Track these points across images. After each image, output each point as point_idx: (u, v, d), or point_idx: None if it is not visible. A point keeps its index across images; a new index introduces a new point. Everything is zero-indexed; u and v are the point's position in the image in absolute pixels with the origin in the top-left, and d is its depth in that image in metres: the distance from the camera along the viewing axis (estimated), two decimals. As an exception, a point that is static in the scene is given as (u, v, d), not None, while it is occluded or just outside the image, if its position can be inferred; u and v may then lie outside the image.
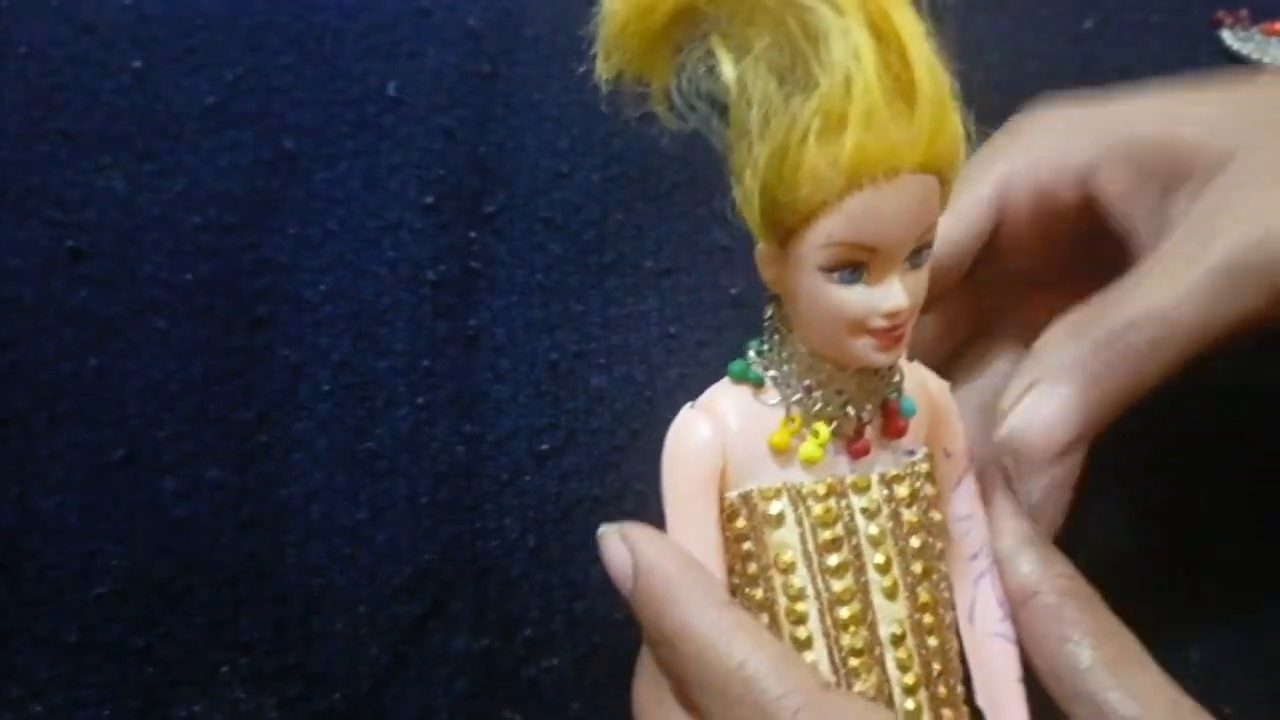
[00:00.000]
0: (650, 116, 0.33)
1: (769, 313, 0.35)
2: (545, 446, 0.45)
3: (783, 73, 0.30)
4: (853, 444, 0.34)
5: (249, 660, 0.42)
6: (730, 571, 0.34)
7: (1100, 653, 0.34)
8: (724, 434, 0.34)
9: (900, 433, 0.34)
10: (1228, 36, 0.55)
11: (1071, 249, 0.42)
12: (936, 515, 0.35)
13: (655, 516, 0.35)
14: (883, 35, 0.29)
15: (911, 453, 0.35)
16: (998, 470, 0.38)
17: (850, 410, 0.34)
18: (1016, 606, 0.36)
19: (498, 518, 0.44)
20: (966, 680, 0.36)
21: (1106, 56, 0.54)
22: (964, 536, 0.37)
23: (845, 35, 0.29)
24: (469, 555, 0.44)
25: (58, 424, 0.44)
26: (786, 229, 0.31)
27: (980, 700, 0.36)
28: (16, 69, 0.49)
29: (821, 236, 0.30)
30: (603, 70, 0.32)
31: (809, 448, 0.33)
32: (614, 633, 0.43)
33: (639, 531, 0.34)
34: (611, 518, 0.44)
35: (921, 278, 0.32)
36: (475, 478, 0.45)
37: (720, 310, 0.48)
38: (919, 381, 0.36)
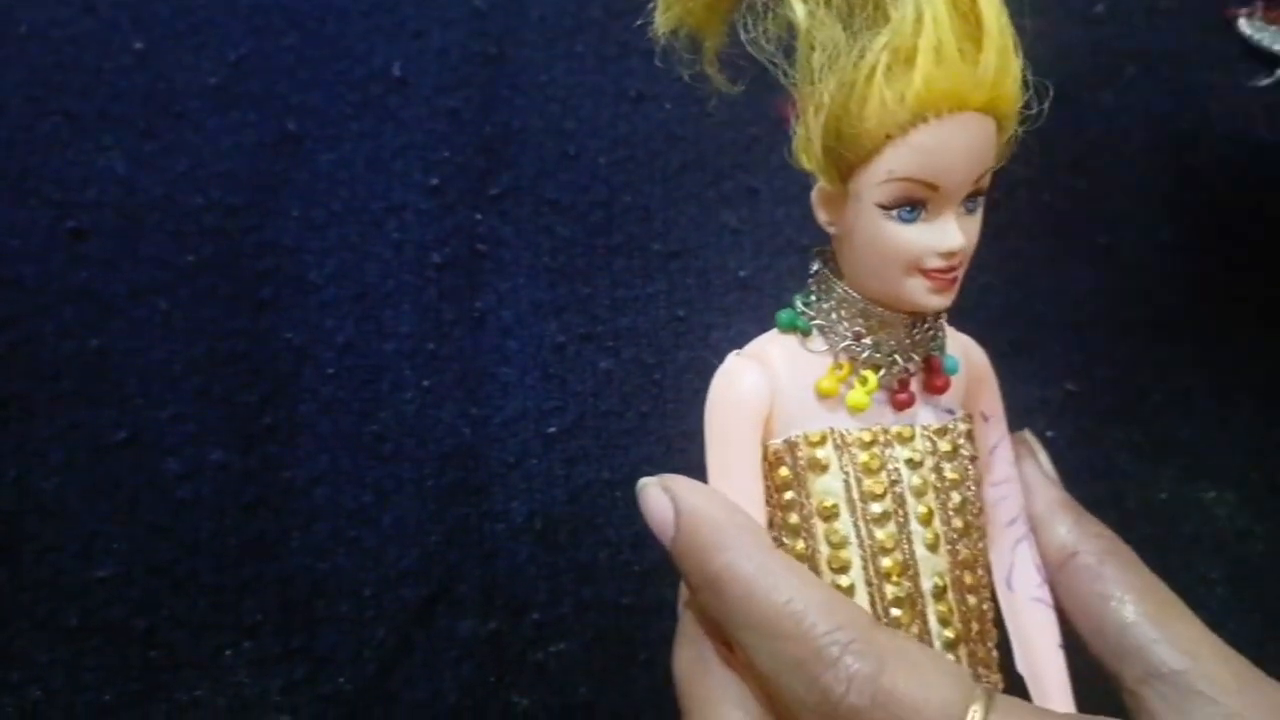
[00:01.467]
0: (700, 77, 0.34)
1: (814, 266, 0.35)
2: (553, 429, 0.45)
3: (851, 13, 0.31)
4: (897, 394, 0.34)
5: (253, 644, 0.41)
6: (770, 524, 0.34)
7: (1143, 607, 0.34)
8: (772, 380, 0.34)
9: (943, 388, 0.35)
10: (1244, 24, 0.54)
11: None
12: (976, 475, 0.35)
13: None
14: None
15: (951, 411, 0.35)
16: (1023, 443, 0.38)
17: (898, 359, 0.34)
18: (1056, 568, 0.36)
19: (504, 500, 0.44)
20: (1002, 646, 0.36)
21: (1118, 40, 0.54)
22: (1001, 501, 0.37)
23: None
24: (475, 538, 0.43)
25: (58, 405, 0.44)
26: (849, 164, 0.31)
27: (1020, 667, 0.36)
28: (18, 48, 0.49)
29: (884, 172, 0.31)
30: (661, 23, 0.33)
31: (856, 394, 0.33)
32: (622, 617, 0.43)
33: (681, 481, 0.34)
34: (620, 501, 0.44)
35: (975, 222, 0.33)
36: (482, 460, 0.44)
37: (729, 293, 0.48)
38: (960, 345, 0.36)
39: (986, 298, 0.49)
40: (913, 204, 0.31)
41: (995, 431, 0.38)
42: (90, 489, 0.43)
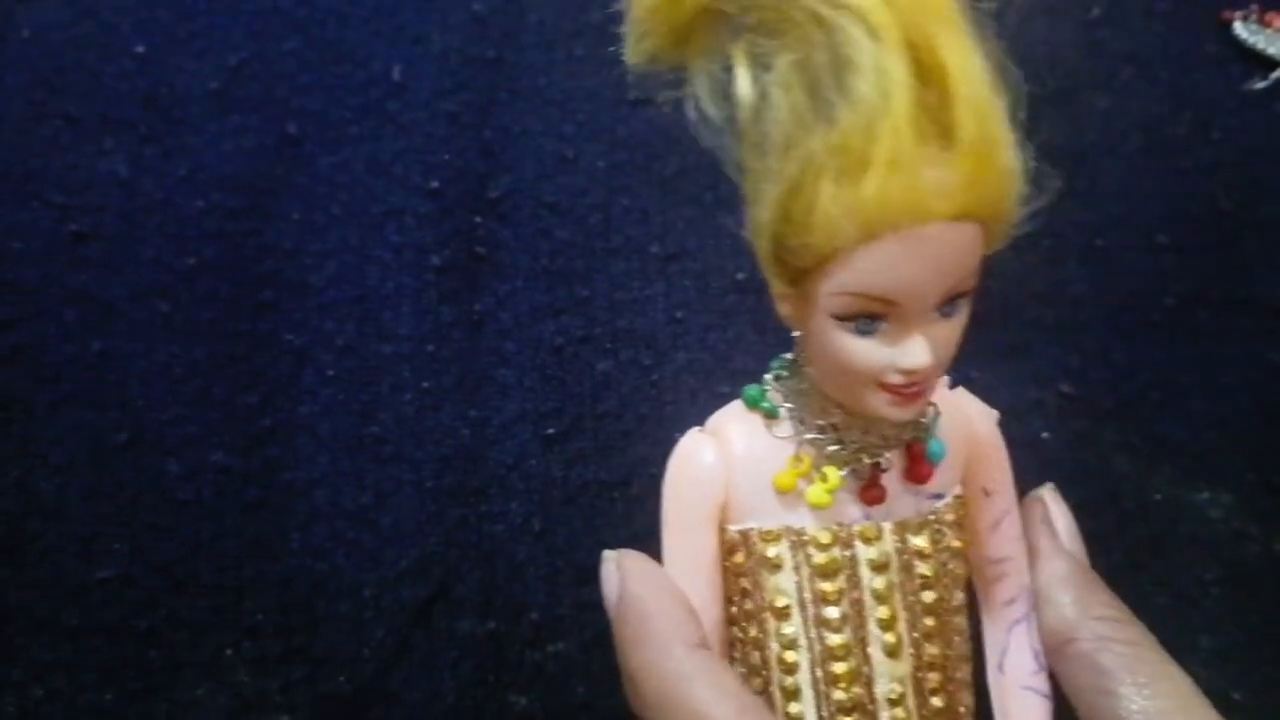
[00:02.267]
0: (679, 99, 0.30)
1: (795, 347, 0.32)
2: (551, 431, 0.45)
3: (806, 94, 0.26)
4: (867, 490, 0.31)
5: (253, 644, 0.42)
6: (729, 601, 0.32)
7: (1141, 702, 0.30)
8: (729, 463, 0.31)
9: (923, 479, 0.32)
10: (1239, 28, 0.55)
11: None
12: (959, 568, 0.33)
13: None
14: (923, 68, 0.26)
15: (939, 496, 0.32)
16: (1037, 504, 0.35)
17: (865, 457, 0.31)
18: (1054, 651, 0.33)
19: (503, 502, 0.44)
20: None
21: (1114, 43, 0.54)
22: (1000, 580, 0.35)
23: (877, 67, 0.25)
24: (474, 539, 0.44)
25: (59, 406, 0.44)
26: (796, 271, 0.28)
27: None
28: (19, 52, 0.49)
29: (834, 285, 0.27)
30: (633, 55, 0.29)
31: (816, 493, 0.31)
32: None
33: (634, 561, 0.32)
34: (618, 502, 0.44)
35: (953, 328, 0.29)
36: (480, 462, 0.45)
37: (726, 295, 0.48)
38: (960, 414, 0.33)
39: (982, 300, 0.49)
40: (871, 316, 0.27)
41: (998, 507, 0.34)
42: (91, 490, 0.43)
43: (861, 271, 0.26)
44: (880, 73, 0.25)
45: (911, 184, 0.26)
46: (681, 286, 0.48)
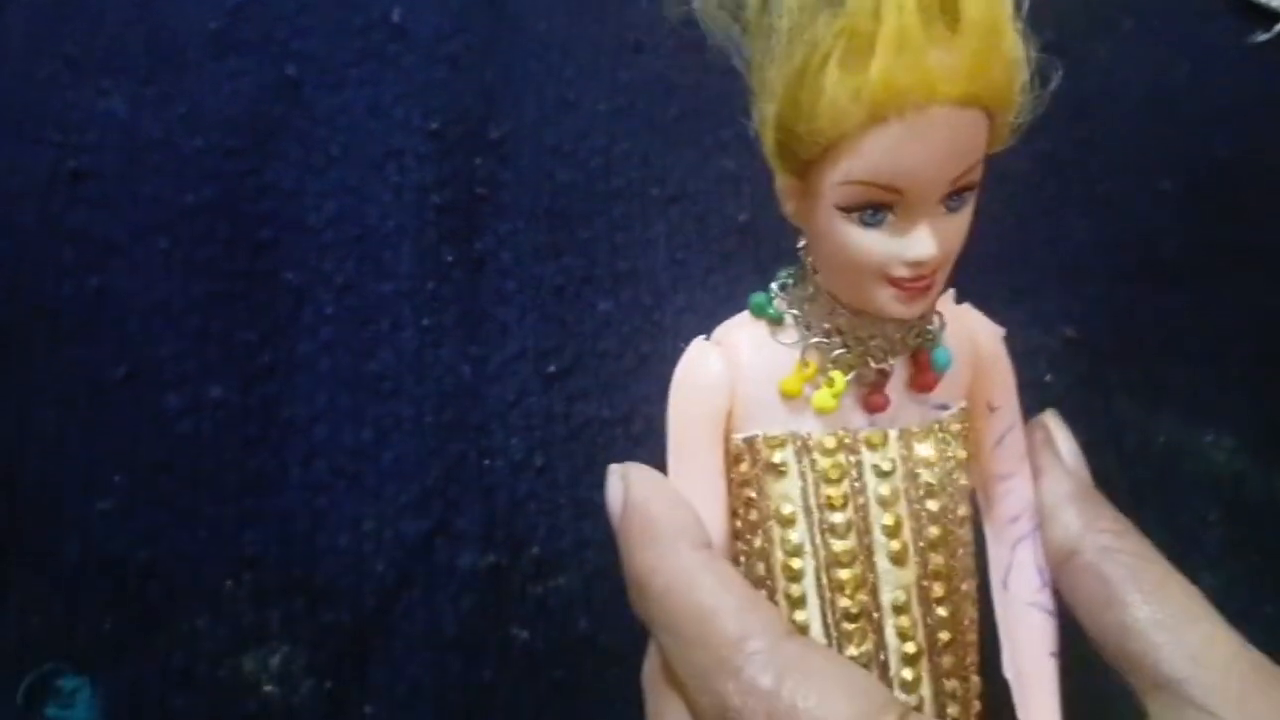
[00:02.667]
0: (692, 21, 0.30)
1: (802, 241, 0.31)
2: (552, 368, 0.45)
3: None
4: (870, 396, 0.31)
5: (253, 576, 0.42)
6: (734, 514, 0.32)
7: (1148, 611, 0.30)
8: (735, 371, 0.31)
9: (928, 387, 0.31)
10: (1249, -16, 0.54)
11: None
12: (963, 479, 0.32)
13: (664, 439, 0.33)
14: None
15: (945, 407, 0.32)
16: (1039, 428, 0.35)
17: (871, 360, 0.31)
18: (1058, 566, 0.33)
19: (504, 438, 0.44)
20: (994, 649, 0.34)
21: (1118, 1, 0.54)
22: (1005, 497, 0.34)
23: None
24: (475, 474, 0.43)
25: (59, 342, 0.44)
26: (803, 161, 0.27)
27: (1007, 671, 0.34)
28: (18, -8, 0.49)
29: (840, 173, 0.27)
30: None
31: (821, 397, 0.30)
32: (622, 552, 0.43)
33: (638, 471, 0.32)
34: (619, 439, 0.44)
35: (959, 222, 0.28)
36: (481, 399, 0.45)
37: (727, 237, 0.48)
38: (966, 328, 0.33)
39: (986, 245, 0.49)
40: (877, 207, 0.27)
41: (1003, 422, 0.34)
42: (90, 424, 0.43)
43: (868, 158, 0.26)
44: None
45: (918, 66, 0.25)
46: (683, 229, 0.48)
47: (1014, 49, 0.27)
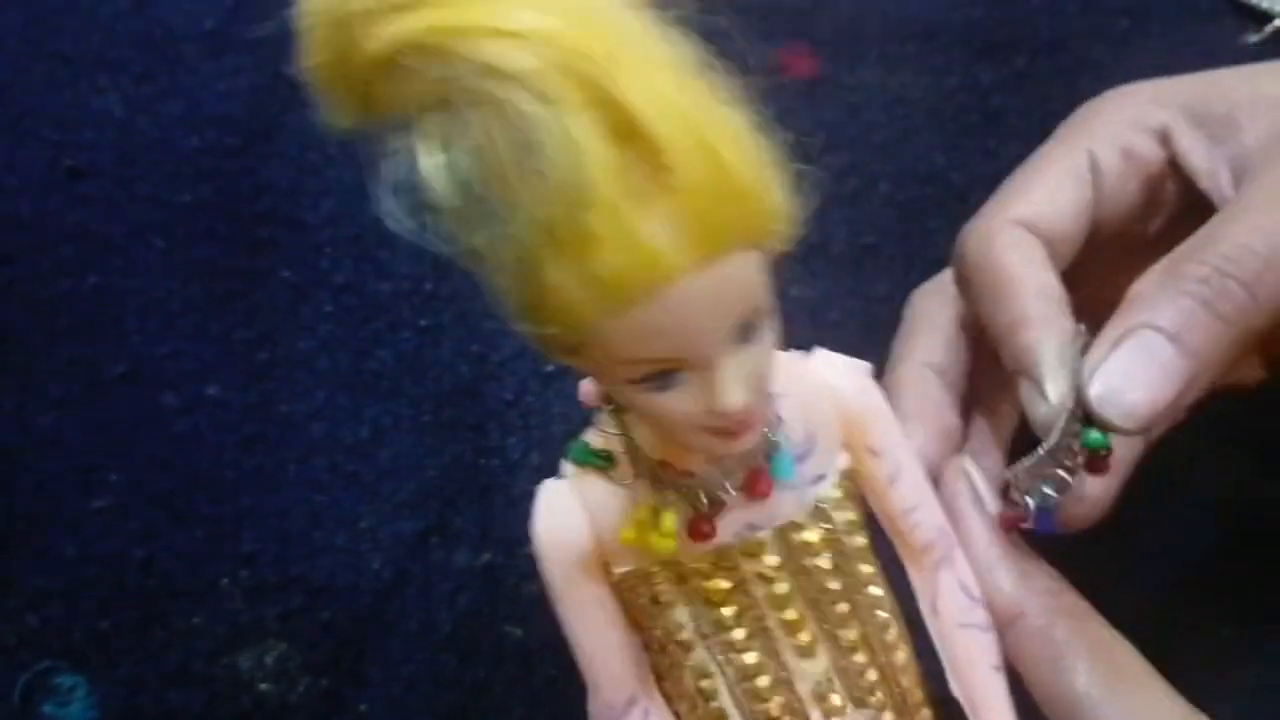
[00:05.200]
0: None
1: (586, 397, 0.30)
2: (550, 367, 0.45)
3: (502, 174, 0.22)
4: (695, 525, 0.29)
5: (250, 573, 0.42)
6: (639, 628, 0.31)
7: (1094, 675, 0.31)
8: (589, 508, 0.29)
9: (763, 494, 0.29)
10: (1236, -20, 0.55)
11: (1167, 221, 0.39)
12: (860, 538, 0.31)
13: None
14: (615, 118, 0.22)
15: (821, 478, 0.30)
16: (961, 476, 0.34)
17: (703, 496, 0.29)
18: (1003, 627, 0.32)
19: (501, 437, 0.44)
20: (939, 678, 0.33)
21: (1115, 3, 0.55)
22: (914, 530, 0.33)
23: (562, 135, 0.21)
24: (472, 473, 0.44)
25: (56, 340, 0.44)
26: (571, 346, 0.24)
27: (955, 692, 0.33)
28: (15, -9, 0.49)
29: (609, 358, 0.24)
30: (335, 121, 0.25)
31: (659, 541, 0.28)
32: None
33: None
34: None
35: (760, 352, 0.25)
36: (479, 397, 0.45)
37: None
38: (819, 386, 0.31)
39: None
40: (664, 373, 0.24)
41: (890, 462, 0.32)
42: (88, 422, 0.43)
43: (629, 342, 0.23)
44: (567, 140, 0.21)
45: (641, 248, 0.22)
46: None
47: (753, 177, 0.23)
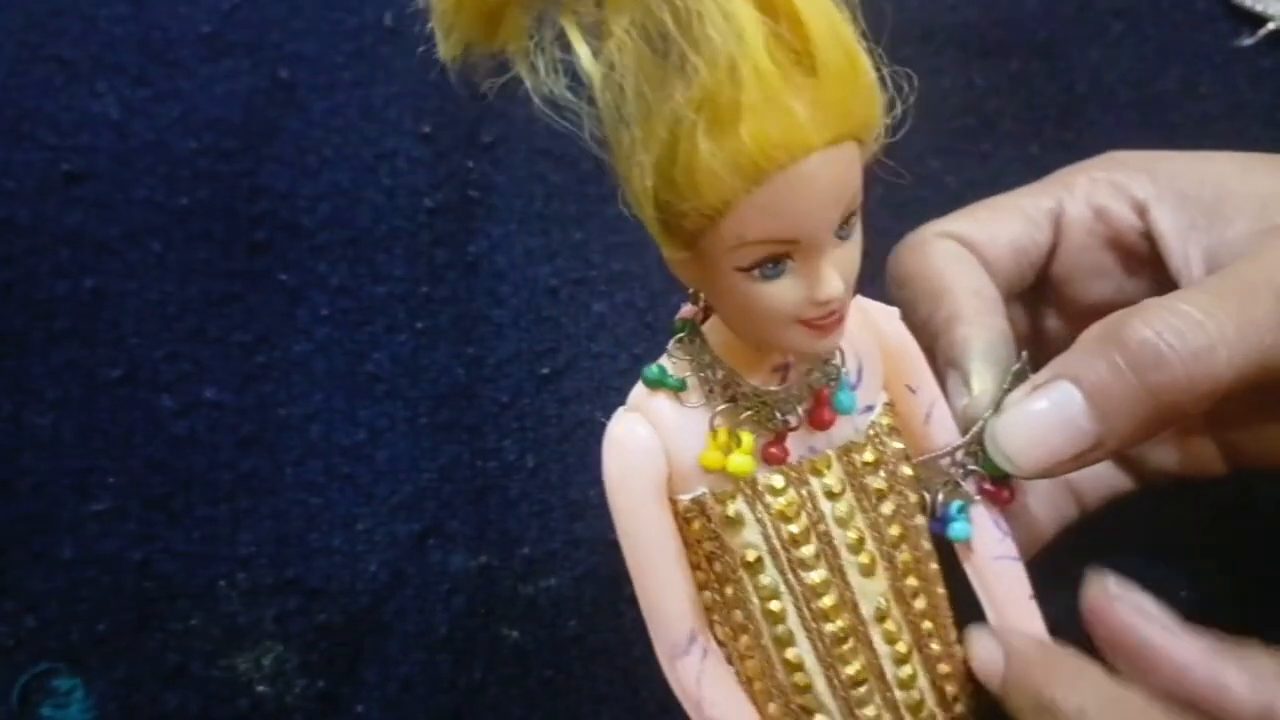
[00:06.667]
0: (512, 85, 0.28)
1: (687, 307, 0.31)
2: (546, 370, 0.45)
3: (654, 52, 0.25)
4: (768, 449, 0.30)
5: (247, 574, 0.42)
6: (696, 568, 0.31)
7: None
8: (664, 434, 0.30)
9: (826, 425, 0.31)
10: (1229, -15, 0.55)
11: (1133, 284, 0.39)
12: (906, 469, 0.33)
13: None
14: (768, 2, 0.25)
15: (870, 409, 0.32)
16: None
17: (777, 415, 0.30)
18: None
19: (497, 439, 0.44)
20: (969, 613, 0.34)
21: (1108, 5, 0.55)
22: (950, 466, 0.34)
23: (723, 11, 0.24)
24: (468, 475, 0.44)
25: (54, 343, 0.44)
26: (689, 234, 0.26)
27: (993, 623, 0.34)
28: (12, -6, 0.49)
29: (731, 238, 0.26)
30: (446, 50, 0.27)
31: (736, 463, 0.30)
32: (612, 553, 0.42)
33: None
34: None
35: (853, 249, 0.28)
36: (475, 400, 0.45)
37: (719, 240, 0.48)
38: (866, 322, 0.33)
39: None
40: (775, 260, 0.27)
41: (925, 399, 0.34)
42: (86, 425, 0.43)
43: (757, 219, 0.26)
44: (728, 16, 0.24)
45: (787, 120, 0.25)
46: (675, 231, 0.48)
47: (869, 75, 0.26)
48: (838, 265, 0.27)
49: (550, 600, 0.43)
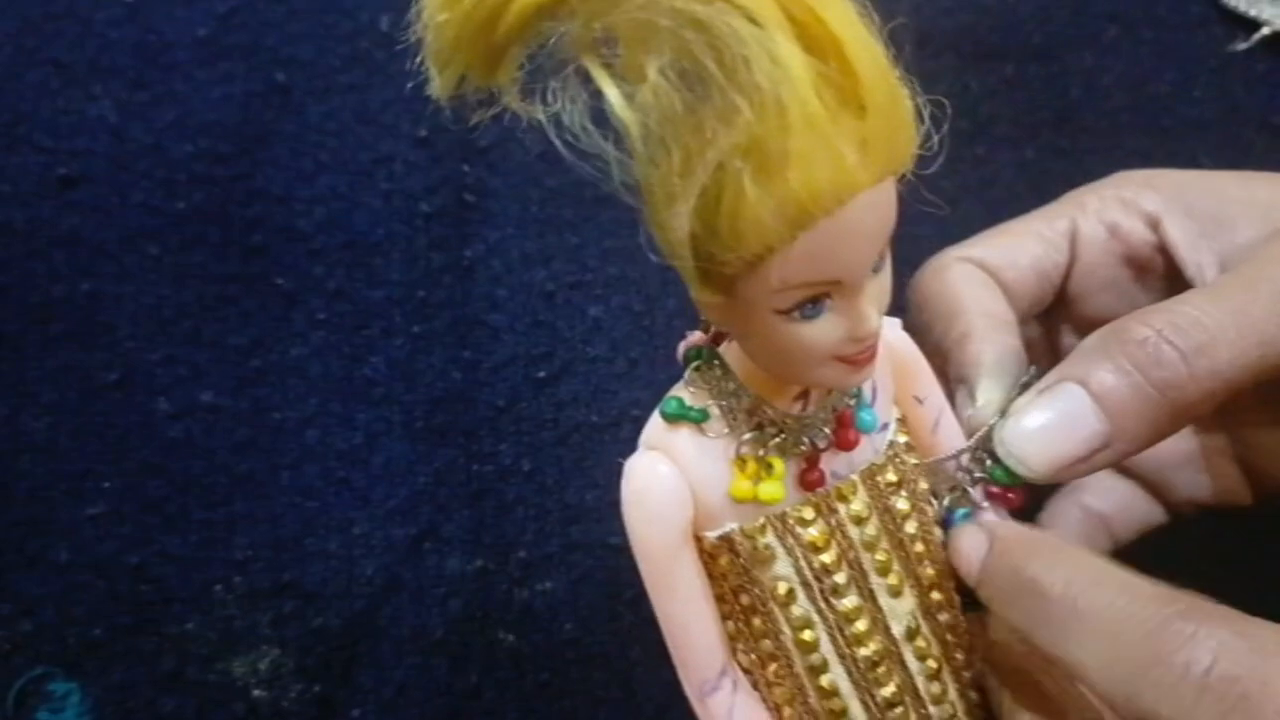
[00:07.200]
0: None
1: (703, 332, 0.31)
2: (542, 374, 0.46)
3: (694, 95, 0.24)
4: (805, 475, 0.30)
5: (243, 578, 0.42)
6: (719, 599, 0.31)
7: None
8: (687, 472, 0.29)
9: (850, 446, 0.31)
10: (1221, -10, 0.55)
11: (1147, 297, 0.40)
12: (923, 483, 0.33)
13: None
14: (813, 39, 0.24)
15: (885, 426, 0.32)
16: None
17: (805, 439, 0.30)
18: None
19: (493, 443, 0.44)
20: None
21: (1100, 2, 0.55)
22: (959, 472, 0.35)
23: (769, 55, 0.23)
24: (464, 479, 0.44)
25: (50, 346, 0.44)
26: (727, 279, 0.26)
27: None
28: (8, -2, 0.49)
29: (774, 282, 0.25)
30: (439, 88, 0.26)
31: (768, 490, 0.29)
32: (609, 556, 0.43)
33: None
34: (608, 444, 0.45)
35: (885, 280, 0.28)
36: (471, 404, 0.45)
37: (715, 243, 0.48)
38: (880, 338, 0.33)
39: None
40: (815, 300, 0.26)
41: (933, 408, 0.34)
42: (81, 428, 0.43)
43: (801, 263, 0.25)
44: (774, 60, 0.23)
45: (836, 164, 0.24)
46: (671, 235, 0.48)
47: (909, 109, 0.26)
48: (874, 299, 0.27)
49: (546, 604, 0.43)
